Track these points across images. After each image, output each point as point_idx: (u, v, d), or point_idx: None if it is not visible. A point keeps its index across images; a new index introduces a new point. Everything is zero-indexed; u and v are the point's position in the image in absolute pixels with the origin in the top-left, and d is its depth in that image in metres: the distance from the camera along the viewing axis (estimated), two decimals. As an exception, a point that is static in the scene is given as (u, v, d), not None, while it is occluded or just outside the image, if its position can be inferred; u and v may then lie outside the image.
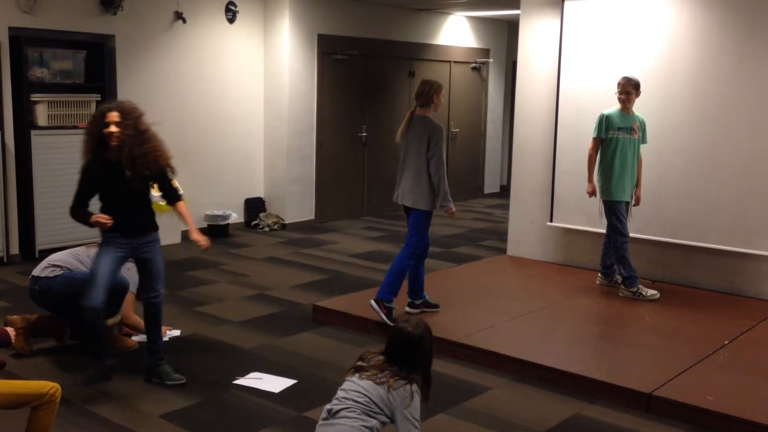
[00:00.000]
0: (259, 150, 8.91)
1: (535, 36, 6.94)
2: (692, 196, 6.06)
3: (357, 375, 3.06)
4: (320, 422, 3.04)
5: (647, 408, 4.02)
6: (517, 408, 4.02)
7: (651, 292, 5.81)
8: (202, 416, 3.87)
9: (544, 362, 4.46)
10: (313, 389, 4.22)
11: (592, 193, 5.89)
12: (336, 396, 3.05)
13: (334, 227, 8.99)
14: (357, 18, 9.28)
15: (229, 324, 5.35)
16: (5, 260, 6.75)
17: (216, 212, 8.28)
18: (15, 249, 6.89)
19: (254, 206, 8.88)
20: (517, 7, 7.20)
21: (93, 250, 4.75)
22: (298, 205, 8.96)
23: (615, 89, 5.81)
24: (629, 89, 5.71)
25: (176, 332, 5.09)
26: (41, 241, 6.91)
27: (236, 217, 8.51)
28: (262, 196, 9.00)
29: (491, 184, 11.93)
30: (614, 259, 5.90)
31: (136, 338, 4.88)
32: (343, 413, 2.95)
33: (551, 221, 6.84)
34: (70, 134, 7.00)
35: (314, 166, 9.07)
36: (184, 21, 7.85)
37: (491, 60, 11.45)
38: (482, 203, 11.11)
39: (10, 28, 6.64)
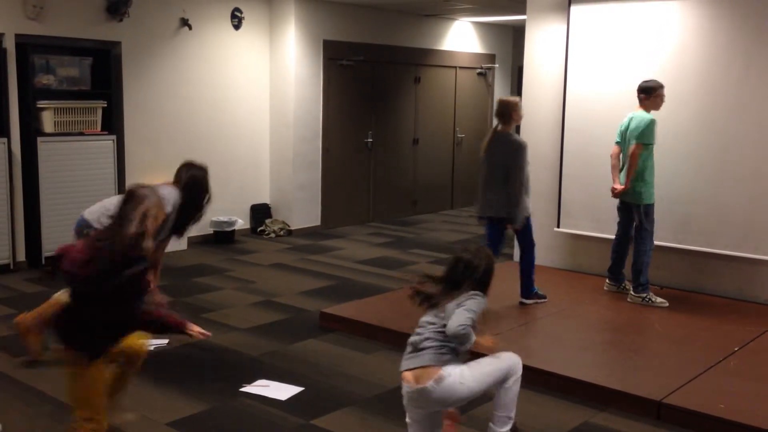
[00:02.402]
0: (265, 156, 8.91)
1: (542, 41, 6.92)
2: (701, 201, 6.02)
3: (428, 311, 3.32)
4: (406, 356, 3.30)
5: (658, 415, 3.98)
6: (526, 416, 3.98)
7: (660, 299, 5.77)
8: (209, 424, 3.85)
9: (553, 369, 4.42)
10: (320, 396, 4.19)
11: (618, 193, 5.78)
12: (415, 332, 3.32)
13: (340, 233, 8.98)
14: (362, 24, 9.28)
15: (236, 331, 5.33)
16: (12, 267, 6.75)
17: (222, 218, 8.27)
18: (21, 256, 6.89)
19: (260, 212, 8.87)
20: (523, 13, 7.19)
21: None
22: (304, 211, 8.95)
23: (621, 94, 5.79)
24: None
25: (164, 341, 4.97)
26: (48, 248, 6.90)
27: (242, 223, 8.50)
28: (268, 203, 8.99)
29: (497, 190, 11.90)
30: (637, 265, 5.76)
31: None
32: (424, 344, 3.24)
33: (558, 227, 6.81)
34: (76, 141, 7.02)
35: (320, 172, 9.06)
36: (190, 27, 7.86)
37: (497, 65, 11.43)
38: (488, 209, 11.07)
39: (17, 35, 6.66)
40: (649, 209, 5.73)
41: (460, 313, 3.19)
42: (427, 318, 3.32)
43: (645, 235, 5.74)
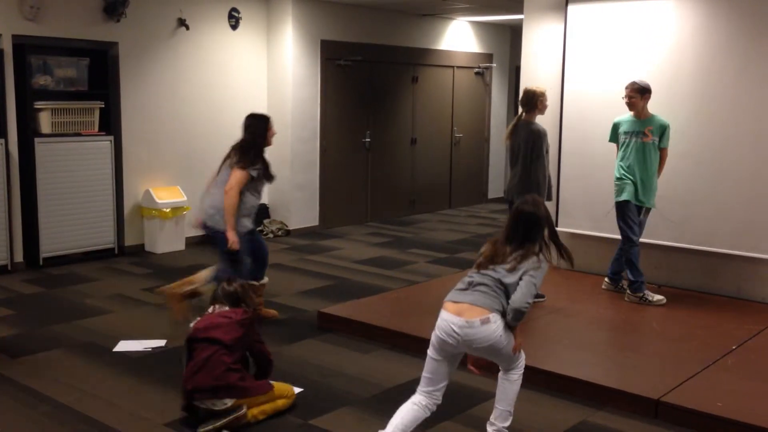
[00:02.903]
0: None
1: (539, 40, 6.92)
2: (699, 200, 6.03)
3: (491, 265, 3.38)
4: (455, 290, 3.38)
5: (655, 414, 3.99)
6: (524, 415, 3.98)
7: (657, 297, 5.78)
8: (207, 424, 3.84)
9: (551, 368, 4.42)
10: (319, 397, 4.19)
11: None
12: (471, 273, 3.41)
13: (338, 233, 8.98)
14: (360, 24, 9.28)
15: (234, 331, 5.31)
16: (9, 268, 6.74)
17: (220, 219, 8.26)
18: (19, 257, 6.88)
19: (258, 213, 8.83)
20: (521, 12, 7.19)
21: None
22: (302, 211, 8.95)
23: (619, 93, 5.79)
24: (632, 93, 5.68)
25: (161, 342, 5.01)
26: (45, 249, 6.90)
27: (240, 223, 8.48)
28: (266, 203, 8.98)
29: (495, 190, 11.91)
30: (623, 262, 5.86)
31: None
32: (480, 288, 3.32)
33: (556, 226, 6.81)
34: (73, 142, 7.02)
35: (318, 173, 9.06)
36: (187, 28, 7.86)
37: (494, 65, 11.44)
38: (486, 208, 11.08)
39: (14, 36, 6.65)
40: (615, 208, 5.79)
41: (529, 286, 3.27)
42: (490, 270, 3.37)
43: (621, 233, 5.79)
